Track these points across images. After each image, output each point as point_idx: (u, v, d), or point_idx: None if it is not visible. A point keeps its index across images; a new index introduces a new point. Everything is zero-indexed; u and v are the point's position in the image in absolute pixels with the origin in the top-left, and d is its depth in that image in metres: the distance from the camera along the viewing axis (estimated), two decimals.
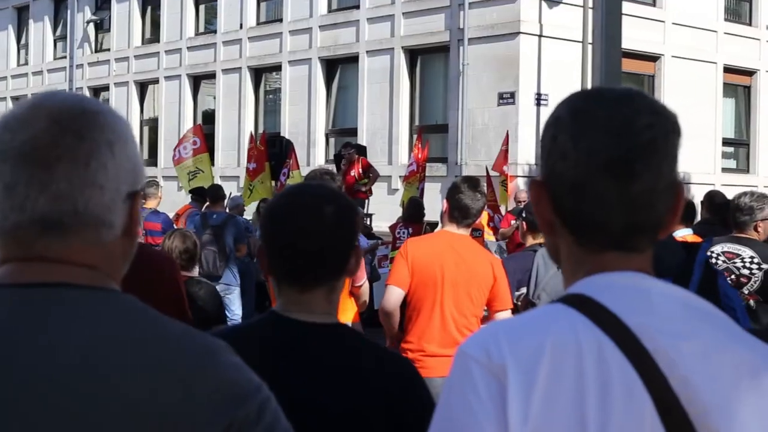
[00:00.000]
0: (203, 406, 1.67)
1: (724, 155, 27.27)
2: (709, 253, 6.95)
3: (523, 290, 6.79)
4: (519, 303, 6.82)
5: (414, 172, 19.46)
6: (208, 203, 14.78)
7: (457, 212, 6.67)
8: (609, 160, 1.77)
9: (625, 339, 1.71)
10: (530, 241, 7.18)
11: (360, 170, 19.40)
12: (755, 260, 7.43)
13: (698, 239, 8.04)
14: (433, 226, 15.57)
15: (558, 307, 1.79)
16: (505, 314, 6.47)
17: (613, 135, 1.78)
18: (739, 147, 28.05)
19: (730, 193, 9.22)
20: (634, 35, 24.16)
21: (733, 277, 7.22)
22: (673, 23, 25.56)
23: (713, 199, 10.23)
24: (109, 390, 1.65)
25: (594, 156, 1.78)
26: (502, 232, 16.71)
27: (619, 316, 1.73)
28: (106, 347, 1.68)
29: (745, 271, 7.38)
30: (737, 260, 7.33)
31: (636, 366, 1.69)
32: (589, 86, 19.09)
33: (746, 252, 7.40)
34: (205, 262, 12.88)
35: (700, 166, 25.86)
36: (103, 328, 1.71)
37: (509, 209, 18.67)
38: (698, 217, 10.05)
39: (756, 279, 7.39)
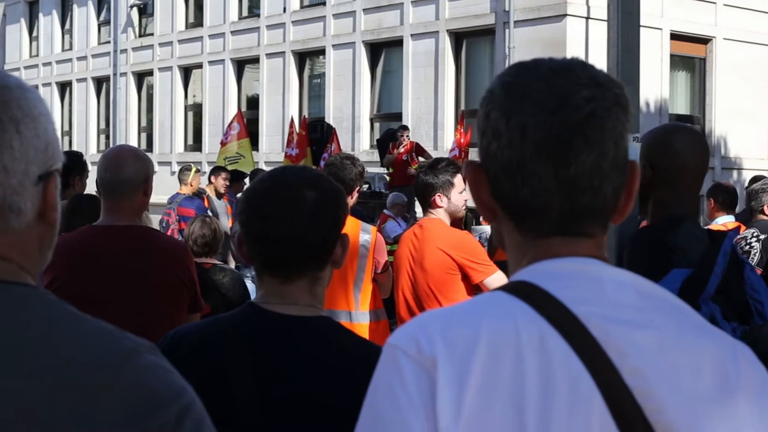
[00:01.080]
0: (109, 414, 1.52)
1: None
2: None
3: None
4: None
5: (456, 157, 19.14)
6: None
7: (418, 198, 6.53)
8: (543, 139, 1.62)
9: (571, 328, 1.57)
10: None
11: (413, 153, 19.21)
12: (755, 234, 7.85)
13: (741, 228, 8.14)
14: (473, 211, 15.29)
15: (498, 294, 1.64)
16: (492, 278, 6.23)
17: (547, 110, 1.62)
18: None
19: None
20: (684, 17, 23.79)
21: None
22: (725, 5, 25.11)
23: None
24: (2, 395, 1.50)
25: (527, 134, 1.63)
26: None
27: (565, 303, 1.59)
28: (4, 347, 1.54)
29: (746, 247, 7.70)
30: (742, 242, 7.64)
31: (583, 357, 1.55)
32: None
33: (750, 231, 7.78)
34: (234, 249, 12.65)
35: (753, 151, 25.46)
36: (4, 326, 1.56)
37: None
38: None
39: (755, 251, 7.75)
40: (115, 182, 4.57)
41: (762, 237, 7.68)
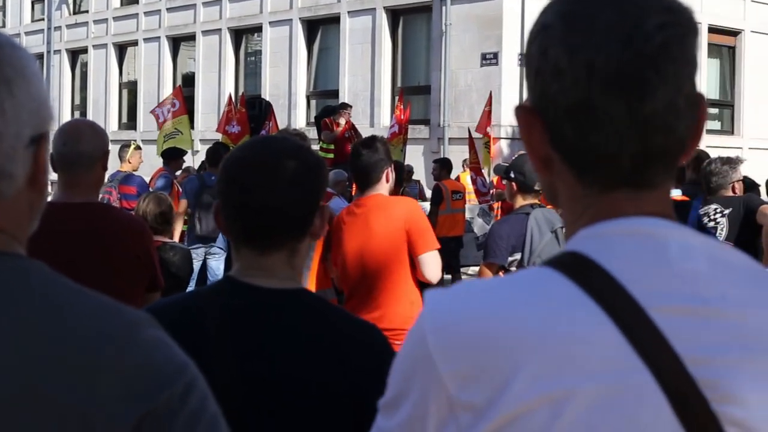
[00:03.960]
0: (113, 391, 1.44)
1: (709, 116, 27.08)
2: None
3: (517, 256, 6.51)
4: (514, 270, 6.53)
5: (396, 134, 19.21)
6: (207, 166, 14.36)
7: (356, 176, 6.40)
8: (615, 75, 1.40)
9: (627, 314, 1.37)
10: (520, 202, 6.82)
11: (352, 131, 19.15)
12: (718, 210, 7.91)
13: (686, 199, 8.27)
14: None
15: (544, 273, 1.43)
16: (429, 254, 6.11)
17: (617, 42, 1.40)
18: (723, 108, 27.84)
19: (714, 155, 9.07)
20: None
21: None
22: (752, 1, 25.28)
23: (699, 158, 10.16)
24: (4, 373, 1.43)
25: (595, 70, 1.41)
26: (499, 193, 16.29)
27: (622, 283, 1.39)
28: (2, 322, 1.45)
29: (711, 224, 7.83)
30: (704, 218, 7.80)
31: (638, 347, 1.35)
32: None
33: (711, 207, 7.87)
34: (205, 225, 12.56)
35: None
36: (1, 300, 1.47)
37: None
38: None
39: (722, 226, 7.84)
40: (74, 155, 4.50)
41: (726, 212, 7.81)
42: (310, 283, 6.51)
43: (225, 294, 2.60)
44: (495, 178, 16.67)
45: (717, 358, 1.37)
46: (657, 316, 1.37)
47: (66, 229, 4.41)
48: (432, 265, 6.13)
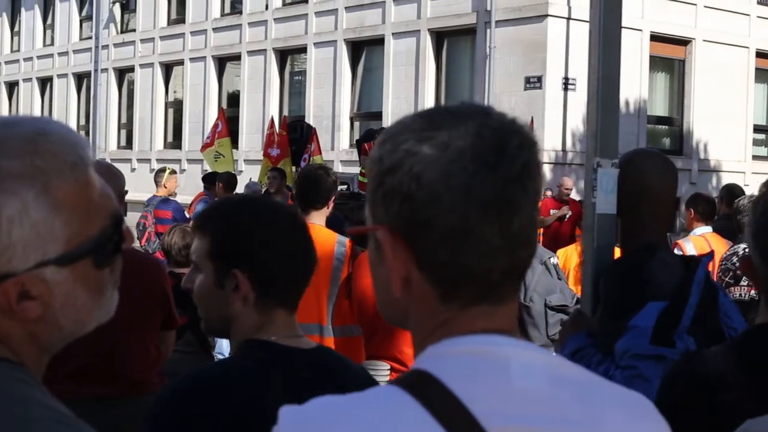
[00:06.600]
0: None
1: (755, 142, 26.83)
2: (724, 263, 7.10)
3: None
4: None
5: None
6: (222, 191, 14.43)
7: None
8: (489, 198, 1.44)
9: None
10: None
11: None
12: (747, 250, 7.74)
13: (719, 238, 8.11)
14: None
15: (390, 391, 1.46)
16: None
17: (487, 166, 1.44)
18: None
19: (760, 181, 8.87)
20: (664, 18, 23.81)
21: (730, 273, 7.34)
22: (705, 6, 25.12)
23: (732, 192, 9.99)
24: None
25: (472, 195, 1.43)
26: (541, 220, 16.19)
27: (463, 402, 1.41)
28: None
29: (739, 263, 7.55)
30: (734, 257, 7.42)
31: None
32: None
33: (741, 246, 7.53)
34: None
35: (731, 154, 25.48)
36: None
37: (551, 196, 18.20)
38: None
39: None
40: None
41: None
42: (335, 318, 6.46)
43: (276, 361, 2.63)
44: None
45: None
46: None
47: None
48: None
